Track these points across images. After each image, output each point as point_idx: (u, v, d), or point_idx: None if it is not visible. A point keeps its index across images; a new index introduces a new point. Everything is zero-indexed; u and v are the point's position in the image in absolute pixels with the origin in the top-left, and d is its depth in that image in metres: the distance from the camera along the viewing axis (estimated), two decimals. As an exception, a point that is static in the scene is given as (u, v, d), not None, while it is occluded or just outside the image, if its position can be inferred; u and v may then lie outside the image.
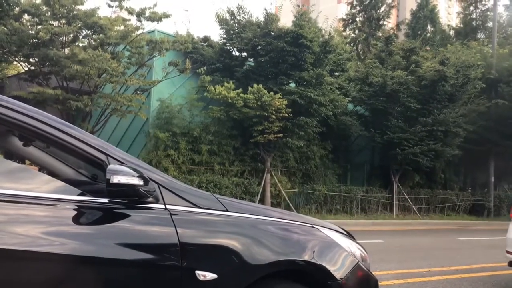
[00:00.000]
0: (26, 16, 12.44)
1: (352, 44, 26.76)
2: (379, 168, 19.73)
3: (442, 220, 18.35)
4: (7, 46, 12.05)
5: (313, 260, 2.23)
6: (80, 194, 2.00)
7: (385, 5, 27.89)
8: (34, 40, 11.83)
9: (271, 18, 14.80)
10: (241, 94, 13.47)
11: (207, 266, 1.97)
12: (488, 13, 27.16)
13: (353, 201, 17.14)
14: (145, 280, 1.87)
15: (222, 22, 15.12)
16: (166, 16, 12.74)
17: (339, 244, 2.41)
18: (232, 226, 2.14)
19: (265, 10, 15.10)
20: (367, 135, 17.90)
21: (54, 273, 1.74)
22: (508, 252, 5.65)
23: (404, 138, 16.66)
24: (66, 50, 12.22)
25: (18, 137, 2.43)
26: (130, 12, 12.67)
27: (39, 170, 2.71)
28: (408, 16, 31.43)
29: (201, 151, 14.34)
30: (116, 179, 1.82)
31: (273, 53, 14.22)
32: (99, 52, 11.35)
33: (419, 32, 27.29)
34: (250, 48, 14.72)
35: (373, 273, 2.61)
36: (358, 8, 27.90)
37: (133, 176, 1.86)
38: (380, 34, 26.24)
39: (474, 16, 27.97)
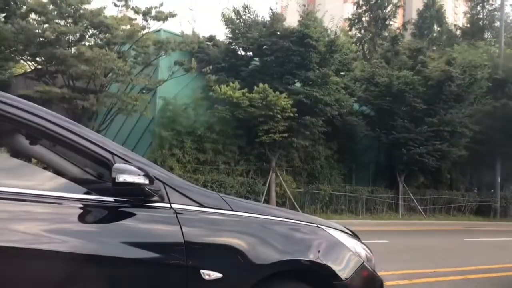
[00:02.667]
0: (33, 15, 12.49)
1: (358, 44, 26.65)
2: (385, 168, 19.67)
3: (448, 220, 18.27)
4: (14, 45, 12.12)
5: (318, 260, 2.23)
6: (85, 193, 2.01)
7: (391, 5, 27.78)
8: (41, 39, 11.88)
9: (277, 18, 14.80)
10: (247, 94, 13.46)
11: (212, 265, 1.96)
12: (495, 13, 27.04)
13: (359, 201, 17.11)
14: (150, 279, 1.87)
15: (228, 21, 15.13)
16: (172, 15, 12.77)
17: (344, 244, 2.40)
18: (237, 225, 2.14)
19: (271, 9, 15.13)
20: (372, 135, 17.86)
21: (60, 271, 1.74)
22: (514, 253, 5.62)
23: (410, 138, 16.59)
24: (73, 49, 12.26)
25: (25, 135, 2.44)
26: (136, 11, 12.72)
27: (45, 169, 2.72)
28: (414, 15, 31.33)
29: (206, 150, 14.34)
30: (121, 178, 1.82)
31: (279, 52, 14.21)
32: (106, 51, 11.38)
33: (425, 32, 27.27)
34: (256, 47, 14.72)
35: (378, 273, 2.60)
36: (364, 7, 27.82)
37: (139, 175, 1.86)
38: (386, 34, 26.18)
39: (481, 16, 27.86)
